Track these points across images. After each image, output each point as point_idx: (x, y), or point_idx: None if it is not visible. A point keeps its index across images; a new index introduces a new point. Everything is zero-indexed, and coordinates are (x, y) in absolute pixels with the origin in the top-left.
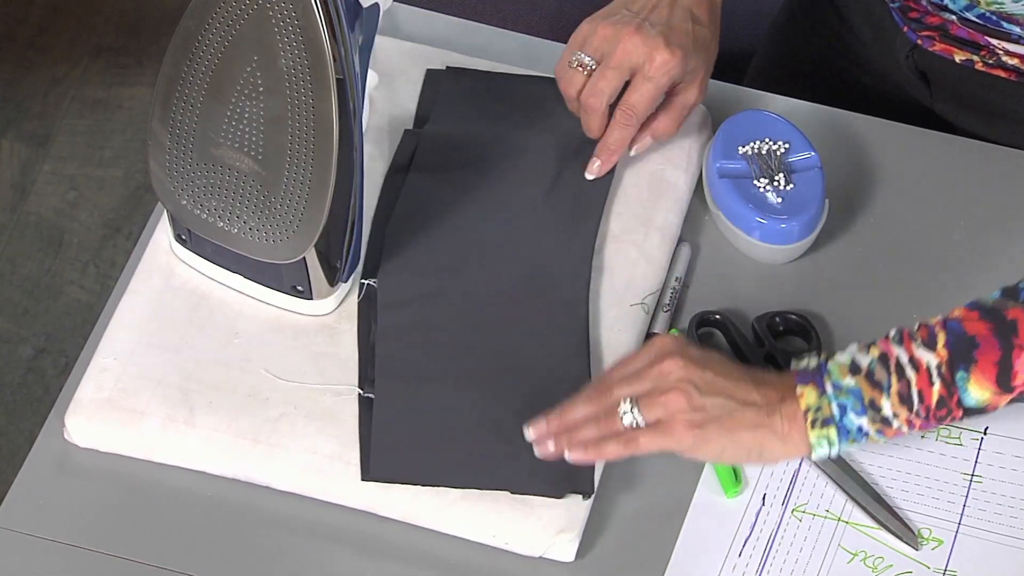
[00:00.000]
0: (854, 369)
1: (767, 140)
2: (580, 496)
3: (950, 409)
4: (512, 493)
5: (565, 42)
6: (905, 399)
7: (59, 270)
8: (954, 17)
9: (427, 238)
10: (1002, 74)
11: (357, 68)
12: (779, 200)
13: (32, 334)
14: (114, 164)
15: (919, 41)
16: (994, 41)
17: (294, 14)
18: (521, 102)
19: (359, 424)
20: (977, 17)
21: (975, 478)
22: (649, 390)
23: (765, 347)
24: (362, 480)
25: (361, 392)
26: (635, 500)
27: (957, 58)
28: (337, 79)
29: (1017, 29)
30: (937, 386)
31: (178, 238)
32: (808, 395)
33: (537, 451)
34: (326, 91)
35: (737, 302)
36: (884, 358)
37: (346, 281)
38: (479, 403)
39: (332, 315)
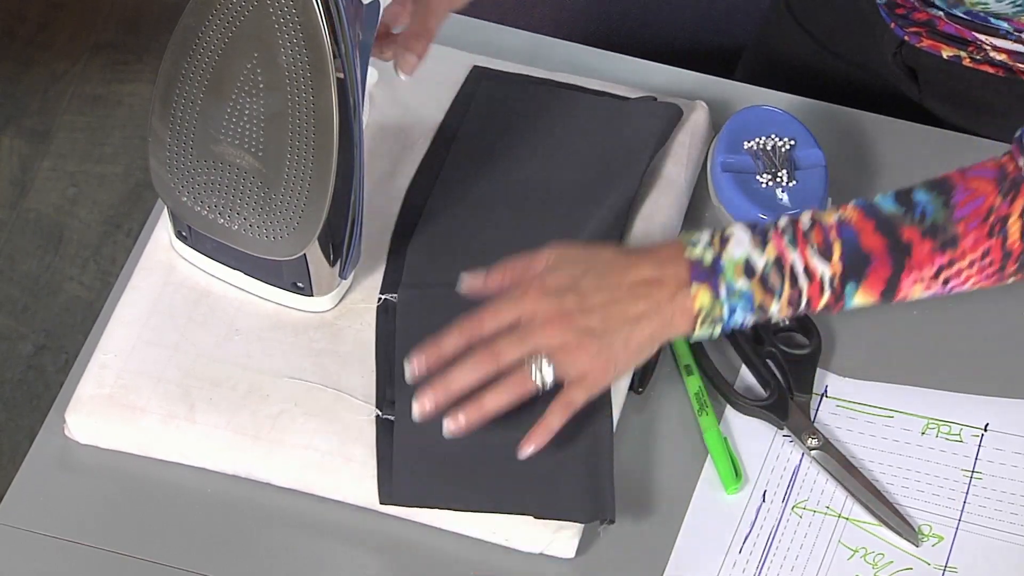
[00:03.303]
0: (749, 271)
1: (773, 136)
2: (605, 523)
3: (830, 310)
4: (536, 518)
5: (565, 39)
6: (793, 303)
7: (59, 267)
8: (941, 12)
9: (450, 255)
10: (990, 70)
11: (357, 65)
12: (781, 196)
13: (32, 331)
14: (114, 161)
15: (906, 37)
16: (981, 36)
17: (294, 11)
18: (554, 117)
19: (377, 446)
20: (964, 13)
21: (975, 474)
22: (549, 347)
23: (765, 344)
24: (380, 504)
25: (379, 414)
26: (636, 497)
27: (945, 54)
28: (337, 76)
29: (1004, 25)
30: (827, 296)
31: (178, 235)
32: (702, 296)
33: (416, 412)
34: (326, 88)
35: None
36: (779, 262)
37: (347, 278)
38: (500, 425)
39: (333, 312)
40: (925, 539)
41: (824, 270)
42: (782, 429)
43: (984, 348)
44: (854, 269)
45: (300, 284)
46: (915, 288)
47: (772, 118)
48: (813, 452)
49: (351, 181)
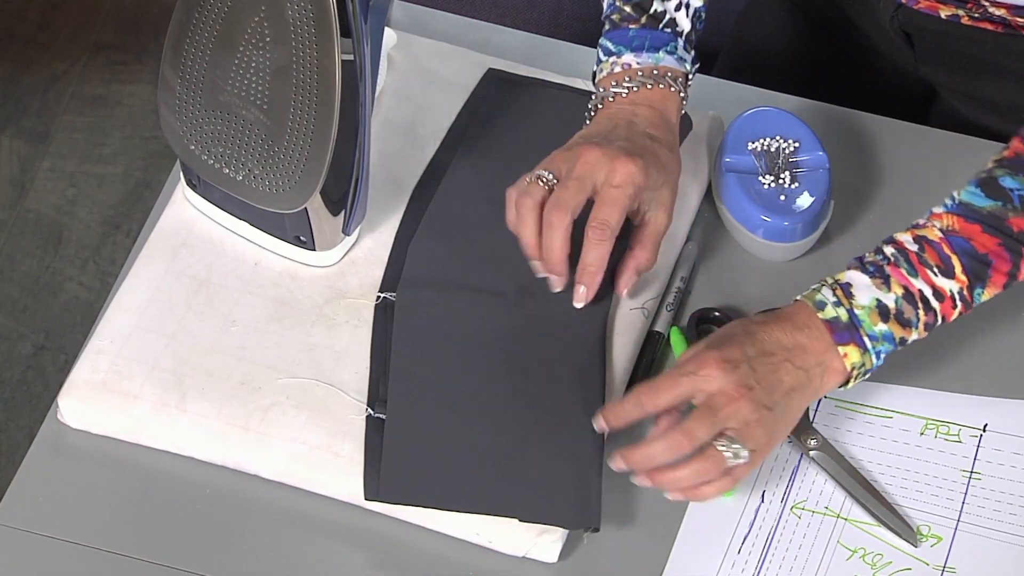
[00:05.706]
0: (883, 314)
1: (777, 138)
2: (589, 530)
3: (963, 316)
4: (521, 521)
5: (564, 39)
6: (929, 325)
7: (58, 267)
8: None
9: (451, 256)
10: (988, 27)
11: (366, 25)
12: (783, 198)
13: (32, 331)
14: (113, 161)
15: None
16: None
17: None
18: (565, 122)
19: (365, 443)
20: None
21: (974, 475)
22: (736, 424)
23: None
24: (366, 499)
25: (371, 412)
26: (630, 499)
27: (943, 14)
28: (341, 34)
29: None
30: (959, 307)
31: (189, 183)
32: (852, 354)
33: (634, 478)
34: (330, 44)
35: (738, 299)
36: (908, 295)
37: (350, 234)
38: (492, 428)
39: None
40: (924, 539)
41: (951, 286)
42: None
43: (983, 348)
44: (978, 275)
45: (303, 238)
46: None
47: (777, 120)
48: (812, 452)
49: (355, 138)
